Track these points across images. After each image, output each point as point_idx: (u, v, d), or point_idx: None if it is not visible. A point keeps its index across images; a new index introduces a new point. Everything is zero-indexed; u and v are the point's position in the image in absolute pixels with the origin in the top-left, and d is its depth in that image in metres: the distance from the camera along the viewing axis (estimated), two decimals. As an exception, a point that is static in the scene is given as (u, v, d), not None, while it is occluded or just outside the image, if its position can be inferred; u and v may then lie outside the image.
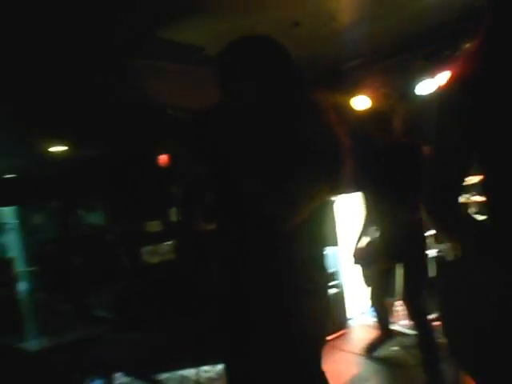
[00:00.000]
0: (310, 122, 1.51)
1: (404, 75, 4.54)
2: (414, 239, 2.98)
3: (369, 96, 4.85)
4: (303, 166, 1.43)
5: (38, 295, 5.22)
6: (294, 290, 1.52)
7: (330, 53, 4.58)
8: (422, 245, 3.06)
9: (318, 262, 1.60)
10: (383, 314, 3.50)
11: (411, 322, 3.44)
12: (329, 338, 4.01)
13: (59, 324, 4.90)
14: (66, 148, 6.14)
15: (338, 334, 4.10)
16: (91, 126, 5.54)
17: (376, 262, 3.13)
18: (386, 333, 3.55)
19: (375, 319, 3.70)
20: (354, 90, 4.92)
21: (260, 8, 3.98)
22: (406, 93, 4.52)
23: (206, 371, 3.64)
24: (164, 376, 3.65)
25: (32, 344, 5.34)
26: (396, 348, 3.58)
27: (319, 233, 1.60)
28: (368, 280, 3.38)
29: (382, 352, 3.56)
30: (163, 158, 6.01)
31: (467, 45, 3.96)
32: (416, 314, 3.01)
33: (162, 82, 4.78)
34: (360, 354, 3.63)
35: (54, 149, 6.14)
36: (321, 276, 1.62)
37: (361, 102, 4.90)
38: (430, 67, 4.28)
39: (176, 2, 3.78)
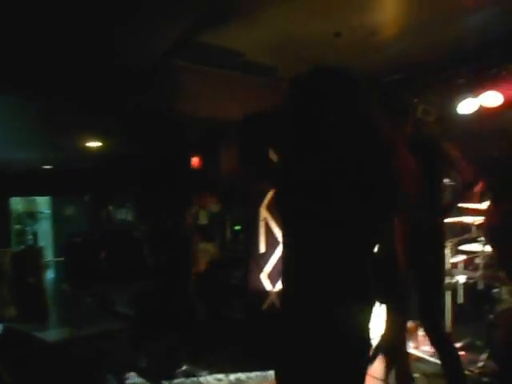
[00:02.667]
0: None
1: (446, 93, 4.39)
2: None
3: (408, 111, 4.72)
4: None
5: (63, 286, 5.31)
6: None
7: (369, 65, 4.48)
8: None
9: None
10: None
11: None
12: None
13: (81, 316, 4.97)
14: (100, 144, 6.25)
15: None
16: (126, 125, 5.62)
17: None
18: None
19: None
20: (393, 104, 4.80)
21: (302, 17, 3.93)
22: (447, 111, 4.36)
23: (219, 380, 3.59)
24: (177, 381, 3.62)
25: (53, 333, 5.46)
26: (417, 375, 3.44)
27: None
28: None
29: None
30: (195, 161, 6.03)
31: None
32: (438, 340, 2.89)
33: (199, 85, 4.80)
34: (376, 378, 3.52)
35: (89, 144, 6.26)
36: None
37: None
38: (473, 86, 4.13)
39: (219, 7, 3.78)
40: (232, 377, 3.63)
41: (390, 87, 4.77)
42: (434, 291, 2.86)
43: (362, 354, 1.69)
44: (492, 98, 4.03)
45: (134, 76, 4.65)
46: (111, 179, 6.69)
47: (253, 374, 3.67)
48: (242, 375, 3.65)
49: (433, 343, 2.91)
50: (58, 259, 7.38)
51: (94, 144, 6.24)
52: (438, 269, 2.87)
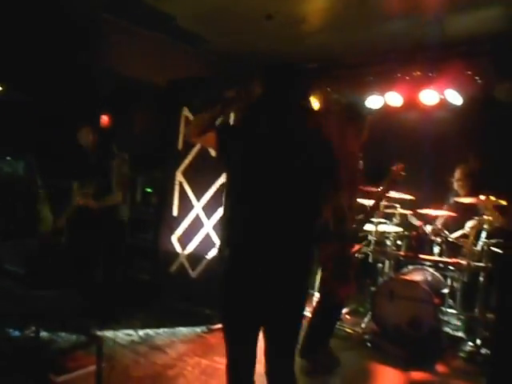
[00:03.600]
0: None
1: (355, 87, 4.87)
2: None
3: (319, 98, 5.15)
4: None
5: None
6: None
7: (292, 51, 4.76)
8: None
9: None
10: None
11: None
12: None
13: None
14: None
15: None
16: (32, 71, 5.25)
17: None
18: None
19: None
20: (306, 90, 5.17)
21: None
22: (355, 103, 4.85)
23: (128, 335, 3.69)
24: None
25: None
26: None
27: None
28: None
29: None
30: (105, 119, 5.85)
31: (418, 73, 4.39)
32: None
33: (125, 44, 4.69)
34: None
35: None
36: None
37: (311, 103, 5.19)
38: (380, 85, 4.66)
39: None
40: (141, 332, 3.75)
41: (307, 74, 5.13)
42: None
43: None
44: (394, 98, 4.60)
45: (54, 22, 4.41)
46: (4, 127, 6.16)
47: (161, 330, 3.82)
48: (150, 331, 3.79)
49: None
50: None
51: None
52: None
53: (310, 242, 1.98)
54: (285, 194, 1.92)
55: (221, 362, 3.26)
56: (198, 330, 3.88)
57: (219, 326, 3.93)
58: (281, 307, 1.92)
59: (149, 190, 5.01)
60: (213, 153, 4.41)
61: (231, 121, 2.60)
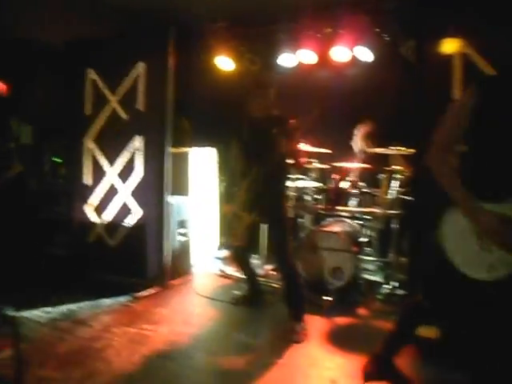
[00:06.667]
0: None
1: (268, 45, 4.82)
2: (275, 201, 3.32)
3: (233, 58, 5.06)
4: None
5: None
6: None
7: (199, 7, 4.57)
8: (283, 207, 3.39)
9: None
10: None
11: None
12: (175, 282, 4.22)
13: None
14: None
15: (184, 278, 4.35)
16: None
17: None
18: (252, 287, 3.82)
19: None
20: (218, 50, 5.05)
21: None
22: (269, 62, 4.82)
23: (48, 312, 3.50)
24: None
25: None
26: (237, 292, 3.95)
27: None
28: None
29: (225, 295, 3.92)
30: (3, 87, 5.34)
31: (328, 30, 4.43)
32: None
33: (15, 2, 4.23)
34: (203, 296, 3.95)
35: None
36: None
37: (224, 63, 5.08)
38: (291, 42, 4.65)
39: None
40: (62, 308, 3.57)
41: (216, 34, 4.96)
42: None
43: None
44: (308, 56, 4.62)
45: None
46: None
47: (83, 304, 3.66)
48: (72, 306, 3.61)
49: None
50: None
51: None
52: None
53: None
54: None
55: (149, 329, 3.21)
56: (123, 299, 3.78)
57: (144, 293, 3.88)
58: None
59: (57, 160, 4.69)
60: (123, 115, 4.22)
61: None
